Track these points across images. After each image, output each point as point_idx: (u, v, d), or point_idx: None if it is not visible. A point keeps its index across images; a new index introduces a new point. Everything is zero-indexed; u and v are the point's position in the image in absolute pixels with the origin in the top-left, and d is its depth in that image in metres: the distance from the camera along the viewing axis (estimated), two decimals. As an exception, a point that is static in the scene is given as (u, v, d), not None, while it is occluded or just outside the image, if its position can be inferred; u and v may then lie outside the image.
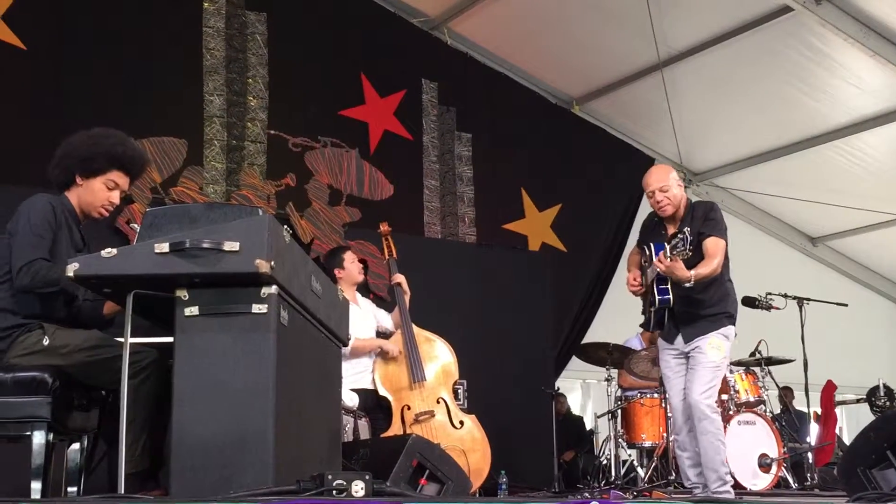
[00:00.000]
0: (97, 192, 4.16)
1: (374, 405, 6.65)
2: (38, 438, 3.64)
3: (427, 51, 10.49)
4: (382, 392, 6.65)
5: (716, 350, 5.48)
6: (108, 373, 3.73)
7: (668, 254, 5.32)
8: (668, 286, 5.53)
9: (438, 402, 6.66)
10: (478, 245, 10.20)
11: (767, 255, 12.73)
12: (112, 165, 4.16)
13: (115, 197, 4.21)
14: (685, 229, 5.33)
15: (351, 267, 6.84)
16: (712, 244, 5.48)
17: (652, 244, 5.64)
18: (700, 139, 11.72)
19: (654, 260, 5.45)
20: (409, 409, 6.59)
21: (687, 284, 5.38)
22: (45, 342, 3.82)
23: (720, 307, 5.56)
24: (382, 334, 6.97)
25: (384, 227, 7.20)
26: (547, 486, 8.28)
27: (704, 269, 5.41)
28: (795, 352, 8.37)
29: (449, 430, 6.58)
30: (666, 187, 5.62)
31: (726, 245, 5.56)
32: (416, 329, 6.85)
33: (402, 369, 6.68)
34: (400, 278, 6.97)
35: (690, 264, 5.37)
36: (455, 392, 6.91)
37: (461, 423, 6.64)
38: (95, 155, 4.13)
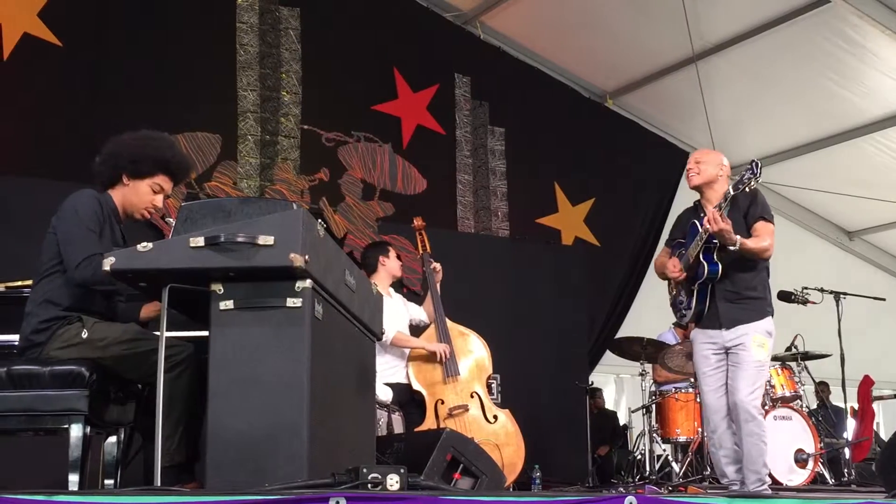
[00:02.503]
0: (142, 195, 4.18)
1: (408, 399, 6.65)
2: (76, 431, 3.67)
3: (460, 45, 10.49)
4: (416, 386, 6.65)
5: (760, 348, 5.32)
6: (144, 366, 3.76)
7: (728, 196, 5.28)
8: (715, 256, 5.42)
9: (472, 397, 6.66)
10: (511, 239, 10.20)
11: (803, 250, 12.63)
12: (160, 169, 4.18)
13: (159, 200, 4.24)
14: (728, 188, 5.30)
15: (394, 261, 6.86)
16: (763, 226, 5.38)
17: (696, 221, 5.53)
18: (735, 133, 11.62)
19: (704, 221, 5.33)
20: (442, 403, 6.59)
21: (731, 247, 5.28)
22: (84, 335, 3.84)
23: (762, 292, 5.44)
24: (416, 327, 6.97)
25: (418, 222, 7.19)
26: (581, 480, 8.26)
27: (753, 242, 5.31)
28: (832, 347, 8.29)
29: (483, 425, 6.57)
30: (701, 160, 5.59)
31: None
32: (449, 323, 6.84)
33: (435, 364, 6.68)
34: (438, 266, 6.96)
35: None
36: (489, 386, 6.89)
37: (495, 417, 6.64)
38: (145, 157, 4.14)
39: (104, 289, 3.89)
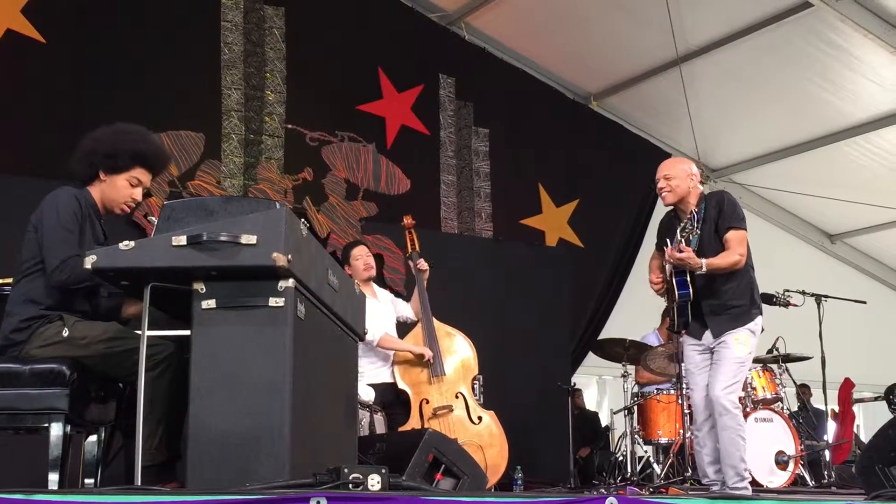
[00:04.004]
0: (120, 189, 4.16)
1: (393, 399, 6.66)
2: (56, 430, 3.66)
3: (444, 46, 10.48)
4: (401, 385, 6.67)
5: (741, 345, 5.40)
6: (125, 365, 3.75)
7: (679, 236, 5.32)
8: (687, 279, 5.48)
9: (457, 397, 6.67)
10: (495, 240, 10.20)
11: (785, 252, 12.68)
12: (136, 162, 4.16)
13: (138, 194, 4.21)
14: (692, 210, 5.34)
15: (356, 264, 6.80)
16: (733, 236, 5.41)
17: (668, 240, 5.60)
18: (718, 135, 11.68)
19: (667, 253, 5.43)
20: (427, 402, 6.60)
21: (699, 272, 5.35)
22: (65, 333, 3.83)
23: (746, 298, 5.48)
24: (403, 324, 6.98)
25: (408, 220, 7.19)
26: (563, 482, 8.27)
27: (720, 259, 5.36)
28: (813, 349, 8.33)
29: (467, 425, 6.58)
30: (670, 175, 5.55)
31: (746, 233, 5.49)
32: (436, 323, 6.85)
33: (421, 363, 6.69)
34: (423, 265, 6.97)
35: (707, 255, 5.37)
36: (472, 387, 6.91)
37: (479, 418, 6.64)
38: (120, 152, 4.12)
39: (84, 286, 3.88)
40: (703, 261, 5.32)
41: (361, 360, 6.58)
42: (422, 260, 7.00)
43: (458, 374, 6.77)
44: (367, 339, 6.49)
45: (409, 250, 7.10)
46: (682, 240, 5.34)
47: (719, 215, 5.50)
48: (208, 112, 8.71)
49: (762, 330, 5.64)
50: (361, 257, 6.83)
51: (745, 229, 5.50)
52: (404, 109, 9.99)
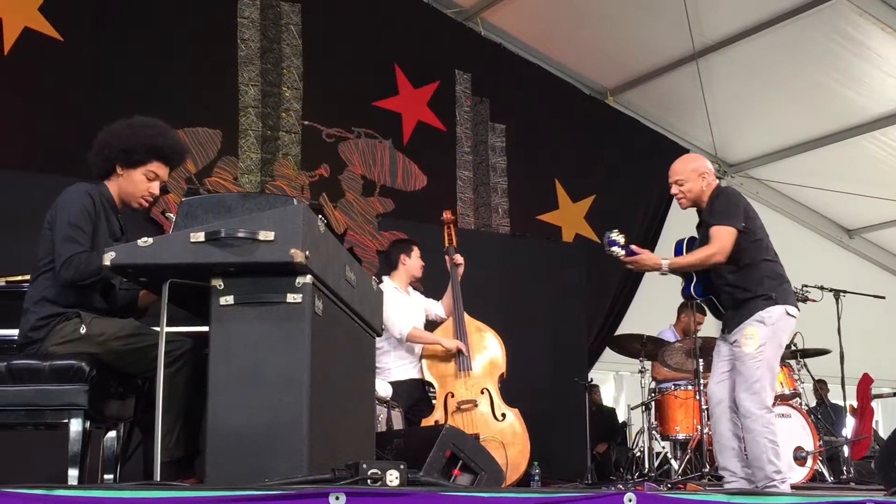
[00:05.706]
0: (138, 184, 4.15)
1: (420, 396, 6.72)
2: (76, 426, 3.67)
3: (460, 41, 10.48)
4: (428, 377, 6.71)
5: (749, 340, 5.32)
6: (143, 361, 3.75)
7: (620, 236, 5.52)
8: (692, 280, 5.49)
9: (483, 393, 6.68)
10: (511, 236, 10.20)
11: (803, 247, 12.61)
12: (153, 157, 4.14)
13: (155, 188, 4.20)
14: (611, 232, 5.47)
15: (416, 260, 6.94)
16: (713, 232, 5.32)
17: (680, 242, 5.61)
18: (735, 130, 11.64)
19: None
20: (452, 396, 6.63)
21: (659, 273, 5.38)
22: (83, 330, 3.83)
23: (755, 289, 5.40)
24: (433, 322, 7.01)
25: (448, 216, 7.23)
26: (580, 478, 8.26)
27: (685, 259, 5.40)
28: (831, 345, 8.30)
29: (490, 422, 6.58)
30: (681, 180, 5.49)
31: (735, 228, 5.31)
32: (467, 318, 6.88)
33: (449, 357, 6.72)
34: (459, 259, 7.02)
35: None
36: (488, 384, 6.92)
37: (503, 415, 6.64)
38: (136, 146, 4.11)
39: (91, 282, 3.88)
40: (664, 261, 5.34)
41: (389, 356, 6.65)
42: (458, 255, 7.04)
43: (486, 371, 6.78)
44: (396, 333, 6.55)
45: (447, 244, 7.13)
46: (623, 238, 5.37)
47: (710, 215, 5.43)
48: (225, 108, 8.74)
49: (788, 313, 5.49)
50: (419, 257, 6.99)
51: (734, 225, 5.32)
52: (420, 105, 10.00)
